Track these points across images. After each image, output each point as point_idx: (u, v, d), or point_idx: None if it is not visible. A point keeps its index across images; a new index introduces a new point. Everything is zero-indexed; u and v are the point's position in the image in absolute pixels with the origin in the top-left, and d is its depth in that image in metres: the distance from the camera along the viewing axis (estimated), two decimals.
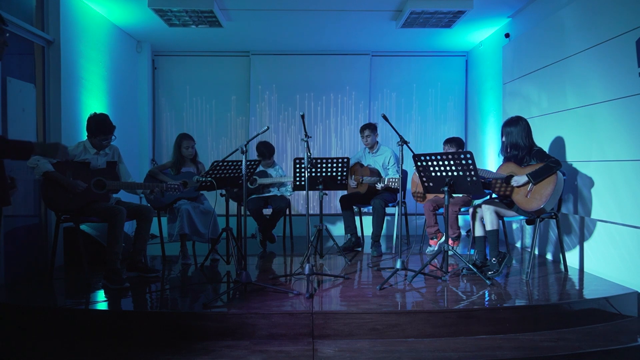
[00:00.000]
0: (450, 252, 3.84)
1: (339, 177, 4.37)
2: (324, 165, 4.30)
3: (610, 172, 3.68)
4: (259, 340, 2.88)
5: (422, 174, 3.69)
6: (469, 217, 4.26)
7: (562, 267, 4.01)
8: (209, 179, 3.94)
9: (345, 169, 4.34)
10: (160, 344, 2.84)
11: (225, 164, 3.90)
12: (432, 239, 4.85)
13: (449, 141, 4.98)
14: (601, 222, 3.80)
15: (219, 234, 4.36)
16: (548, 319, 3.06)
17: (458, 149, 4.86)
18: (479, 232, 3.88)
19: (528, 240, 4.98)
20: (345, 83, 6.92)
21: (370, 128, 5.01)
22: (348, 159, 4.34)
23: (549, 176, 3.59)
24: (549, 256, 4.52)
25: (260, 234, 5.08)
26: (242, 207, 4.35)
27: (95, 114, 3.79)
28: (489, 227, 3.77)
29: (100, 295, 3.42)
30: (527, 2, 4.93)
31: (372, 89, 6.98)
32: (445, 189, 3.60)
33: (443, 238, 4.48)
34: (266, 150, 5.21)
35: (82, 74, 4.83)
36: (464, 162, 3.48)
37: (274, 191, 5.22)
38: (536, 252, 4.67)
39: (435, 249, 4.82)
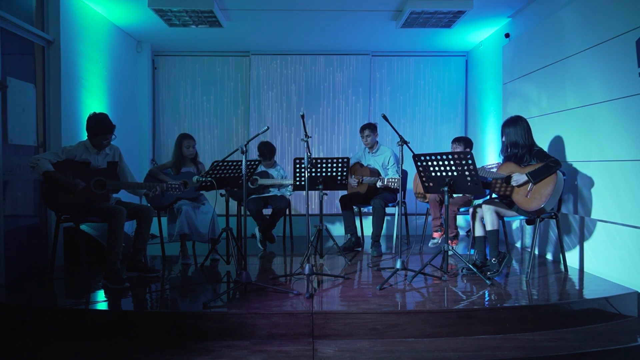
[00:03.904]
0: (450, 252, 3.84)
1: (339, 177, 4.37)
2: (324, 165, 4.30)
3: (610, 172, 3.68)
4: (259, 340, 2.88)
5: (422, 174, 3.69)
6: (469, 217, 4.27)
7: (562, 267, 4.01)
8: (209, 179, 3.94)
9: (345, 169, 4.34)
10: (160, 344, 2.84)
11: (225, 164, 3.90)
12: (436, 231, 4.85)
13: (457, 140, 4.98)
14: (601, 222, 3.80)
15: (219, 234, 4.36)
16: (548, 319, 3.06)
17: (466, 148, 4.86)
18: (479, 232, 3.88)
19: (528, 240, 4.98)
20: (345, 83, 6.92)
21: (370, 128, 5.01)
22: (348, 159, 4.34)
23: (548, 176, 3.59)
24: (549, 256, 4.52)
25: (260, 234, 5.08)
26: (242, 207, 4.35)
27: (94, 113, 3.78)
28: (489, 227, 3.77)
29: (100, 295, 3.42)
30: (527, 2, 4.93)
31: (372, 89, 6.98)
32: (445, 189, 3.60)
33: (442, 237, 4.48)
34: (267, 151, 5.21)
35: (82, 74, 4.83)
36: (463, 162, 3.48)
37: (274, 191, 5.22)
38: (536, 252, 4.67)
39: (439, 241, 4.83)
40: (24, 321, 3.05)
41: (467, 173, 3.51)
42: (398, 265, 3.64)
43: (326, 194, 4.48)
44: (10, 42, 3.85)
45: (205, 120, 6.96)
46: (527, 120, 3.87)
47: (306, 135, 3.66)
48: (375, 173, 4.90)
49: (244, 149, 3.39)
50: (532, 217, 3.79)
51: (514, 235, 5.35)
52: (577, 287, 3.60)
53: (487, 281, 3.54)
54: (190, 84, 6.93)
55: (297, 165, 4.23)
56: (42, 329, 3.00)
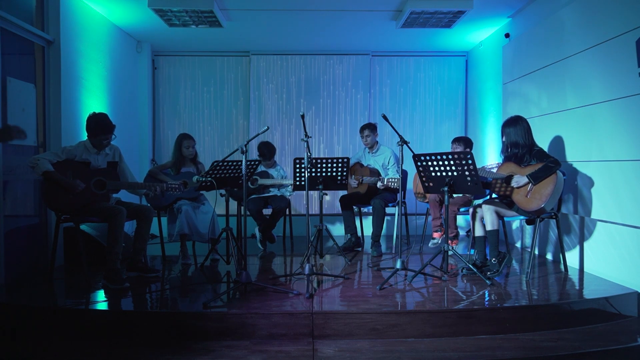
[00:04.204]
0: (450, 252, 3.84)
1: (339, 177, 4.37)
2: (324, 165, 4.30)
3: (610, 172, 3.68)
4: (259, 340, 2.88)
5: (422, 174, 3.69)
6: (469, 217, 4.26)
7: (562, 267, 4.01)
8: (209, 179, 3.94)
9: (345, 169, 4.34)
10: (160, 344, 2.84)
11: (225, 164, 3.90)
12: (436, 231, 4.86)
13: (456, 140, 4.99)
14: (601, 222, 3.80)
15: (219, 234, 4.36)
16: (548, 319, 3.06)
17: (465, 148, 4.86)
18: (479, 232, 3.88)
19: (528, 240, 4.98)
20: (345, 83, 6.92)
21: (370, 128, 5.01)
22: (348, 159, 4.34)
23: (548, 176, 3.59)
24: (549, 256, 4.52)
25: (260, 234, 5.08)
26: (242, 207, 4.35)
27: (94, 113, 3.78)
28: (489, 227, 3.77)
29: (100, 295, 3.42)
30: (527, 2, 4.93)
31: (372, 89, 6.98)
32: (445, 189, 3.60)
33: (442, 237, 4.49)
34: (267, 151, 5.20)
35: (82, 74, 4.83)
36: (463, 162, 3.48)
37: (274, 191, 5.22)
38: (536, 252, 4.67)
39: (439, 241, 4.83)
40: (24, 321, 3.05)
41: (467, 173, 3.51)
42: (398, 265, 3.64)
43: (326, 194, 4.47)
44: (10, 42, 3.85)
45: (205, 120, 6.96)
46: (527, 120, 3.87)
47: (306, 135, 3.66)
48: (375, 173, 4.90)
49: (244, 149, 3.39)
50: (532, 217, 3.79)
51: (514, 235, 5.35)
52: (577, 287, 3.60)
53: (487, 281, 3.54)
54: (191, 84, 6.93)
55: (297, 165, 4.23)
56: (42, 329, 3.00)
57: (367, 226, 5.53)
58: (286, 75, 6.90)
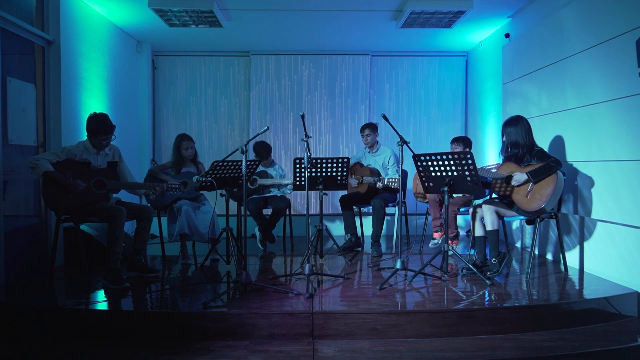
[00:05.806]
0: (450, 252, 3.84)
1: (339, 177, 4.37)
2: (324, 165, 4.30)
3: (610, 172, 3.68)
4: (259, 340, 2.88)
5: (422, 174, 3.69)
6: (469, 217, 4.26)
7: (562, 267, 4.00)
8: (209, 179, 3.94)
9: (345, 169, 4.34)
10: (160, 344, 2.84)
11: (225, 164, 3.90)
12: (436, 231, 4.86)
13: (455, 140, 4.99)
14: (601, 222, 3.80)
15: (219, 234, 4.36)
16: (548, 319, 3.06)
17: (465, 148, 4.86)
18: (479, 232, 3.88)
19: (528, 240, 4.98)
20: (345, 83, 6.92)
21: (370, 128, 5.02)
22: (348, 159, 4.34)
23: (548, 176, 3.59)
24: (549, 256, 4.52)
25: (260, 233, 5.08)
26: (242, 207, 4.35)
27: (94, 113, 3.78)
28: (489, 227, 3.77)
29: (100, 295, 3.42)
30: (527, 2, 4.93)
31: (372, 89, 6.99)
32: (445, 189, 3.60)
33: (442, 237, 4.49)
34: (262, 150, 5.18)
35: (82, 74, 4.83)
36: (463, 162, 3.48)
37: (274, 191, 5.22)
38: (536, 252, 4.68)
39: (439, 241, 4.83)
40: (24, 321, 3.05)
41: (467, 173, 3.51)
42: (398, 265, 3.64)
43: (326, 194, 4.47)
44: (10, 42, 3.85)
45: (205, 120, 6.96)
46: (528, 120, 3.87)
47: (306, 135, 3.66)
48: (375, 173, 4.90)
49: (244, 149, 3.39)
50: (532, 217, 3.79)
51: (514, 235, 5.35)
52: (577, 287, 3.60)
53: (487, 281, 3.54)
54: (191, 84, 6.93)
55: (297, 165, 4.23)
56: (42, 329, 3.00)
57: (367, 226, 5.53)
58: (286, 75, 6.90)
